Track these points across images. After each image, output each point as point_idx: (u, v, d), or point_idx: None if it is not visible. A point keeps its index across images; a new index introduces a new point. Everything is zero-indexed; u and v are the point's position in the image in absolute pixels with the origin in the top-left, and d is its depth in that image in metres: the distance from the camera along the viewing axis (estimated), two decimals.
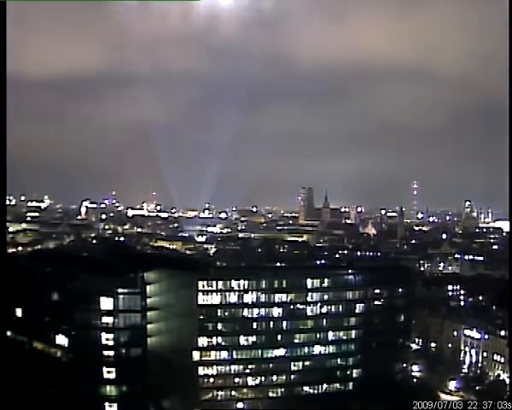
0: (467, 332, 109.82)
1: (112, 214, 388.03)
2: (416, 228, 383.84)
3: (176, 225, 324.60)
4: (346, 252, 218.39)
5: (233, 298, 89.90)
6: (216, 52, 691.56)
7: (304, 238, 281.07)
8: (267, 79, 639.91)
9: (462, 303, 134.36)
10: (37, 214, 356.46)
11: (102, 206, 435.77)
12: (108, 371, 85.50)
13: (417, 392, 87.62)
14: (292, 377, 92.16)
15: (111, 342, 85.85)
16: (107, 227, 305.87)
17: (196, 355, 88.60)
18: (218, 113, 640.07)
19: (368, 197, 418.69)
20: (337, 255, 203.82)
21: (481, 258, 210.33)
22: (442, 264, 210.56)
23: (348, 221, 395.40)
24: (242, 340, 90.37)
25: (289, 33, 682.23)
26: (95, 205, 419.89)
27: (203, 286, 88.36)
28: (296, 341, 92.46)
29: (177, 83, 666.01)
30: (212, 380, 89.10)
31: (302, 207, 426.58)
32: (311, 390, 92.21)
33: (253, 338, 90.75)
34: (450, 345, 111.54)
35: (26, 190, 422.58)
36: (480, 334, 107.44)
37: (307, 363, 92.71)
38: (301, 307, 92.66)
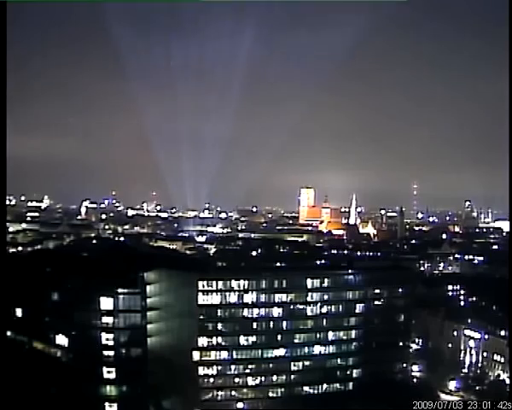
0: (467, 332, 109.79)
1: (112, 214, 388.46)
2: (416, 228, 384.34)
3: (176, 225, 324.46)
4: (346, 252, 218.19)
5: (233, 298, 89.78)
6: None
7: (304, 238, 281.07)
8: None
9: (462, 303, 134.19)
10: (37, 214, 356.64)
11: (102, 206, 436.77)
12: (108, 372, 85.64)
13: (417, 392, 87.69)
14: (292, 377, 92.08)
15: (111, 342, 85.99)
16: (107, 227, 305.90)
17: (196, 355, 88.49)
18: None
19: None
20: (337, 255, 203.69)
21: (481, 258, 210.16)
22: (442, 264, 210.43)
23: (348, 221, 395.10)
24: (242, 340, 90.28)
25: None
26: (95, 205, 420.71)
27: (203, 286, 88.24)
28: (296, 341, 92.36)
29: None
30: (212, 380, 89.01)
31: (302, 207, 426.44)
32: (311, 390, 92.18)
33: (253, 338, 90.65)
34: (450, 345, 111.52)
35: (26, 190, 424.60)
36: (479, 334, 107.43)
37: (307, 363, 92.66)
38: (301, 307, 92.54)
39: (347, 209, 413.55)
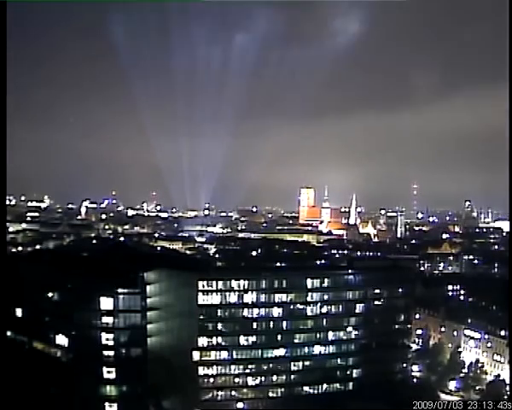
0: (467, 332, 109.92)
1: (112, 214, 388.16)
2: (416, 228, 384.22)
3: (176, 225, 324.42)
4: (346, 252, 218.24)
5: (233, 298, 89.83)
6: None
7: (304, 238, 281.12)
8: None
9: (462, 303, 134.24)
10: (37, 214, 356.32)
11: (102, 206, 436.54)
12: (108, 372, 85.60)
13: (417, 392, 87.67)
14: (292, 377, 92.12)
15: (111, 342, 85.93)
16: (107, 227, 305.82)
17: (196, 355, 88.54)
18: None
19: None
20: (337, 255, 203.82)
21: (481, 258, 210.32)
22: (442, 264, 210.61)
23: (348, 221, 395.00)
24: (242, 340, 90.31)
25: None
26: (95, 205, 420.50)
27: (203, 286, 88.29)
28: (296, 341, 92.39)
29: None
30: (212, 380, 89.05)
31: (302, 207, 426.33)
32: (311, 390, 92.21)
33: (253, 338, 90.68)
34: (450, 345, 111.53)
35: (26, 190, 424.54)
36: (479, 334, 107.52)
37: (307, 363, 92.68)
38: (301, 307, 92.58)
39: (347, 209, 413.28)
